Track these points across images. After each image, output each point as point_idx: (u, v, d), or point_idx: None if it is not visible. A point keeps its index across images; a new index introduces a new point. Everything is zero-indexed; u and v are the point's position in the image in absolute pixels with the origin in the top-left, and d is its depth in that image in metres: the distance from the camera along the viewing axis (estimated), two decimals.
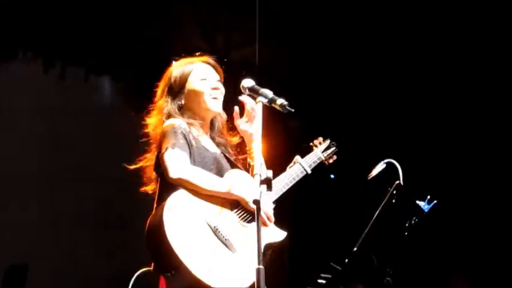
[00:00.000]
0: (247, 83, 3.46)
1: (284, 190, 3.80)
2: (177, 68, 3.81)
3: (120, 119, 5.68)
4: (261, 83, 3.45)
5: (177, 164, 3.42)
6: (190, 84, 3.75)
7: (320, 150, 4.14)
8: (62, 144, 5.68)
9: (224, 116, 3.86)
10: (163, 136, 3.55)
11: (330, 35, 6.34)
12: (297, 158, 3.97)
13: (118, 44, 5.99)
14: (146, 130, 3.74)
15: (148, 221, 3.39)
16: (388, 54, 6.37)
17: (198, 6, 5.83)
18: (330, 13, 6.19)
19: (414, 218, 4.26)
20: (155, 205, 3.53)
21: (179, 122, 3.61)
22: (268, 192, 2.98)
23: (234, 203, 3.52)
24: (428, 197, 4.33)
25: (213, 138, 3.80)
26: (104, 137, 5.87)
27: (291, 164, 3.94)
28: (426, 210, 4.30)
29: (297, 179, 3.86)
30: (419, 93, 6.47)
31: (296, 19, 6.22)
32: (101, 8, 5.76)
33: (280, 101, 3.32)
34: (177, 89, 3.74)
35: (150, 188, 3.68)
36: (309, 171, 3.93)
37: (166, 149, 3.46)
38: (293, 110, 3.28)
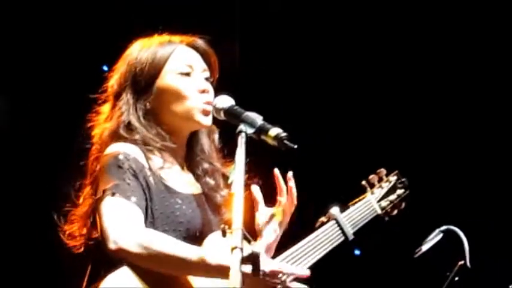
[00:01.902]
0: (223, 102, 3.38)
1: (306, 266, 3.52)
2: (146, 48, 3.61)
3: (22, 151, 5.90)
4: (245, 102, 3.34)
5: (118, 226, 3.22)
6: (165, 79, 3.55)
7: (376, 198, 3.92)
8: None
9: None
10: (101, 170, 3.39)
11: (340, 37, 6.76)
12: (334, 210, 3.73)
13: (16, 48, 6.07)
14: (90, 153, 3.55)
15: None
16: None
17: None
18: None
19: None
20: (85, 281, 3.40)
21: (127, 149, 3.42)
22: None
23: None
24: None
25: (192, 165, 3.61)
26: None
27: (322, 219, 3.72)
28: None
29: (329, 248, 3.64)
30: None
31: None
32: None
33: (275, 131, 3.22)
34: (143, 84, 3.55)
35: (75, 242, 3.51)
36: (351, 237, 3.72)
37: (104, 193, 3.29)
38: (295, 146, 3.16)
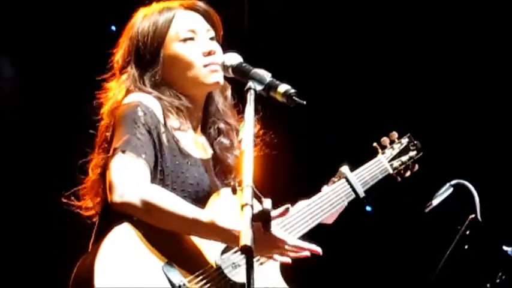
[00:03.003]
0: (232, 59, 3.34)
1: (312, 225, 3.59)
2: (147, 18, 3.58)
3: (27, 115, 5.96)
4: (254, 59, 3.31)
5: (124, 180, 3.22)
6: (170, 48, 3.54)
7: (387, 158, 3.94)
8: None
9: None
10: (117, 121, 3.37)
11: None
12: (343, 169, 3.78)
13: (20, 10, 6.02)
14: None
15: (74, 272, 3.25)
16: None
17: None
18: None
19: (501, 273, 4.11)
20: (92, 239, 3.42)
21: (147, 102, 3.39)
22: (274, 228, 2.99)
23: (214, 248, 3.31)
24: None
25: (207, 126, 3.60)
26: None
27: (333, 179, 3.77)
28: None
29: (338, 205, 3.69)
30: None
31: None
32: None
33: (284, 87, 3.18)
34: (149, 55, 3.53)
35: (91, 212, 3.53)
36: (362, 194, 3.77)
37: (114, 151, 3.28)
38: (304, 103, 3.14)
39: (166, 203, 3.21)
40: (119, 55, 3.58)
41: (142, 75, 3.51)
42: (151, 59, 3.53)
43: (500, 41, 6.60)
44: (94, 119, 3.57)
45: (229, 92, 3.66)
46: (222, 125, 3.63)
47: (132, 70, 3.52)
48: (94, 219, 3.53)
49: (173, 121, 3.47)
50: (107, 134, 3.46)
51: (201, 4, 3.63)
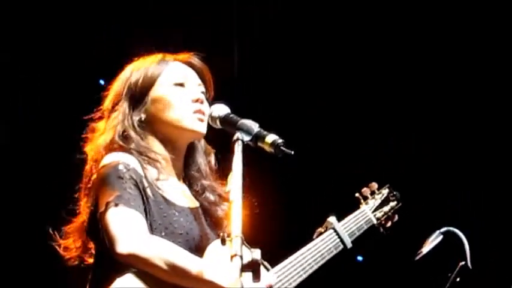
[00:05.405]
0: (219, 110, 3.34)
1: (303, 277, 3.60)
2: (142, 65, 3.59)
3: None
4: (242, 110, 3.28)
5: (127, 231, 3.20)
6: (159, 90, 3.53)
7: (370, 208, 3.98)
8: None
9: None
10: (100, 182, 3.33)
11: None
12: (331, 219, 3.78)
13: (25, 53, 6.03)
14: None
15: None
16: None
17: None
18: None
19: None
20: None
21: (125, 159, 3.36)
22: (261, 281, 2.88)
23: None
24: None
25: (190, 180, 3.58)
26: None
27: (320, 229, 3.76)
28: None
29: (328, 257, 3.70)
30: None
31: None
32: None
33: (272, 137, 3.18)
34: (138, 95, 3.52)
35: (70, 254, 3.50)
36: (349, 245, 3.78)
37: (108, 205, 3.24)
38: (292, 153, 3.13)
39: (166, 255, 3.18)
40: (108, 99, 3.57)
41: (131, 113, 3.50)
42: (140, 98, 3.51)
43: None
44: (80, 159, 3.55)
45: (212, 158, 3.64)
46: (204, 182, 3.59)
47: (122, 106, 3.51)
48: (71, 262, 3.48)
49: (152, 172, 3.44)
50: (91, 175, 3.43)
51: (196, 60, 3.62)
